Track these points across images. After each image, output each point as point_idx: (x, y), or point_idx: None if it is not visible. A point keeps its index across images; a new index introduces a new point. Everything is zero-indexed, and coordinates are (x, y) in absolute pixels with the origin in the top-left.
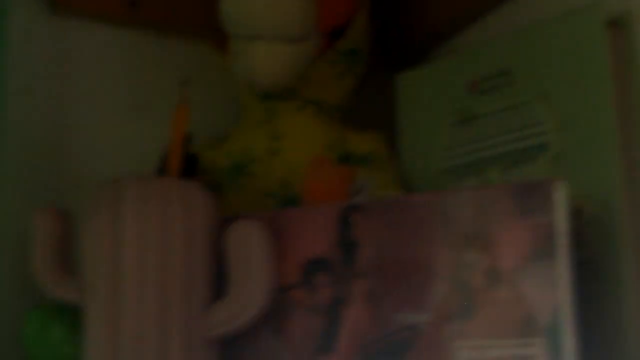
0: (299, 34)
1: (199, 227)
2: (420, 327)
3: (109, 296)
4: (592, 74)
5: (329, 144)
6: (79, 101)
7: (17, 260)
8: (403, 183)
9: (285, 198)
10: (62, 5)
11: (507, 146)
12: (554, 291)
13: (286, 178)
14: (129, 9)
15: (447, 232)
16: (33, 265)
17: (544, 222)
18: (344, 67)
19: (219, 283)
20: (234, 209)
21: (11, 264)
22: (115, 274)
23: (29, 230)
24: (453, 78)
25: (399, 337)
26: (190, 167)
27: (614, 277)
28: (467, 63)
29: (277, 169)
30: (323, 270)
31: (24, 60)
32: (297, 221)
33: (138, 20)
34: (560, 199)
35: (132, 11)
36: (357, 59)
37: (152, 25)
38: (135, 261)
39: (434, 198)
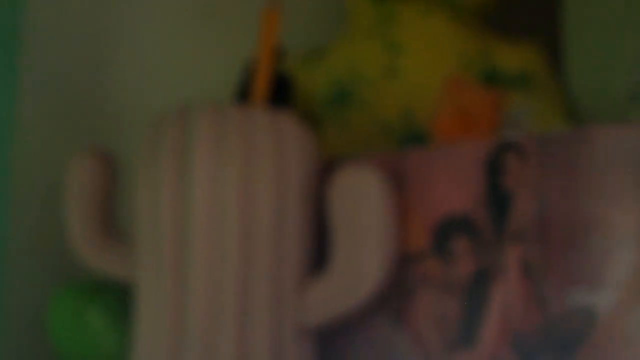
0: None
1: (294, 174)
2: (597, 310)
3: (171, 268)
4: None
5: (468, 58)
6: (120, 5)
7: (43, 223)
8: (571, 111)
9: (409, 134)
10: None
11: None
12: None
13: (409, 106)
14: None
15: (637, 179)
16: (66, 227)
17: None
18: None
19: (319, 251)
20: (337, 148)
21: (37, 228)
22: (180, 238)
23: (62, 182)
24: None
25: (568, 325)
26: (282, 93)
27: None
28: None
29: (397, 95)
30: (464, 234)
31: None
32: (428, 165)
33: None
34: None
35: None
36: None
37: None
38: (207, 220)
39: (619, 132)
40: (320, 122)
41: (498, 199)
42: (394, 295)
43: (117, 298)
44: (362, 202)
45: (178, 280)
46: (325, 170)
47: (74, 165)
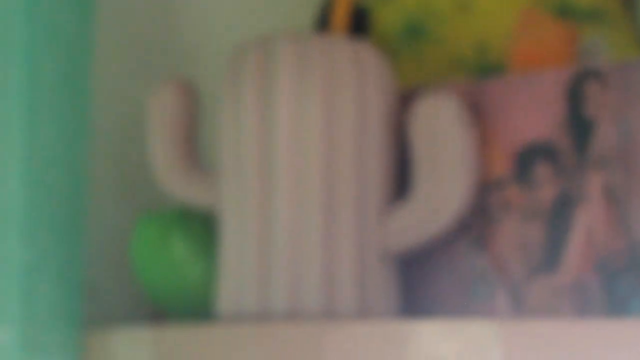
0: None
1: (375, 102)
2: None
3: (255, 196)
4: None
5: None
6: None
7: (124, 152)
8: None
9: (482, 67)
10: None
11: None
12: None
13: (483, 40)
14: None
15: None
16: (150, 155)
17: None
18: None
19: (401, 179)
20: (411, 82)
21: (117, 156)
22: (265, 167)
23: (143, 113)
24: None
25: None
26: (359, 25)
27: None
28: None
29: (470, 28)
30: (546, 160)
31: None
32: (507, 94)
33: None
34: None
35: None
36: None
37: None
38: (291, 148)
39: None
40: (394, 57)
41: (579, 126)
42: (476, 222)
43: (201, 226)
44: (443, 130)
45: (263, 207)
46: (403, 102)
47: (157, 97)
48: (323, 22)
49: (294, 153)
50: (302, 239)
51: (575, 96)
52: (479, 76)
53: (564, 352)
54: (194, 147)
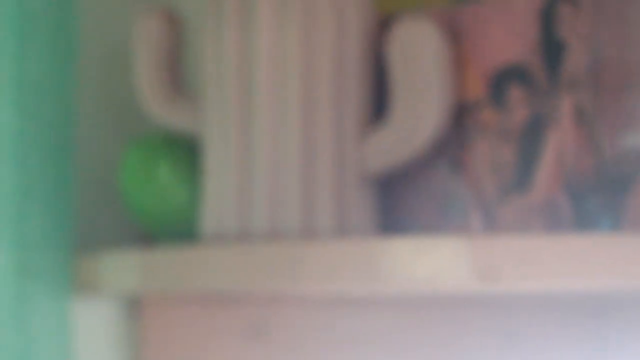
0: None
1: (353, 28)
2: None
3: (236, 120)
4: None
5: None
6: None
7: (110, 79)
8: None
9: None
10: None
11: None
12: None
13: None
14: None
15: None
16: (137, 82)
17: None
18: None
19: (379, 101)
20: (389, 7)
21: (103, 83)
22: (245, 92)
23: (129, 41)
24: None
25: (621, 167)
26: None
27: None
28: None
29: None
30: (518, 82)
31: None
32: (482, 17)
33: None
34: None
35: None
36: None
37: None
38: (271, 73)
39: None
40: None
41: (552, 48)
42: (452, 144)
43: (185, 151)
44: (420, 54)
45: (244, 132)
46: (381, 27)
47: (143, 25)
48: None
49: (274, 78)
50: (281, 161)
51: (547, 19)
52: (457, 2)
53: (534, 266)
54: (179, 75)
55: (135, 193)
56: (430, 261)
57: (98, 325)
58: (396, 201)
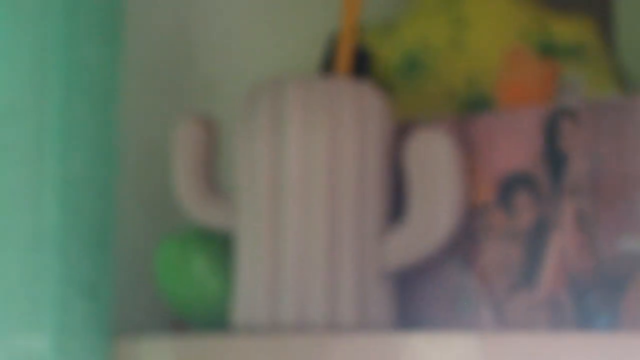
0: None
1: (374, 137)
2: None
3: (267, 218)
4: None
5: (527, 31)
6: None
7: (148, 177)
8: (621, 80)
9: (472, 99)
10: None
11: None
12: None
13: (473, 74)
14: None
15: None
16: (174, 182)
17: None
18: None
19: (397, 204)
20: (407, 112)
21: (142, 181)
22: (276, 192)
23: (166, 143)
24: None
25: (618, 268)
26: (362, 65)
27: None
28: None
29: (462, 63)
30: (524, 188)
31: None
32: (492, 128)
33: None
34: None
35: None
36: None
37: None
38: (299, 176)
39: None
40: (393, 89)
41: (555, 159)
42: (463, 244)
43: (219, 246)
44: (434, 160)
45: (273, 229)
46: (399, 132)
47: (181, 128)
48: (328, 63)
49: (302, 182)
50: (308, 257)
51: (551, 131)
52: (471, 109)
53: None
54: (213, 175)
55: (170, 283)
56: (445, 355)
57: None
58: (412, 296)
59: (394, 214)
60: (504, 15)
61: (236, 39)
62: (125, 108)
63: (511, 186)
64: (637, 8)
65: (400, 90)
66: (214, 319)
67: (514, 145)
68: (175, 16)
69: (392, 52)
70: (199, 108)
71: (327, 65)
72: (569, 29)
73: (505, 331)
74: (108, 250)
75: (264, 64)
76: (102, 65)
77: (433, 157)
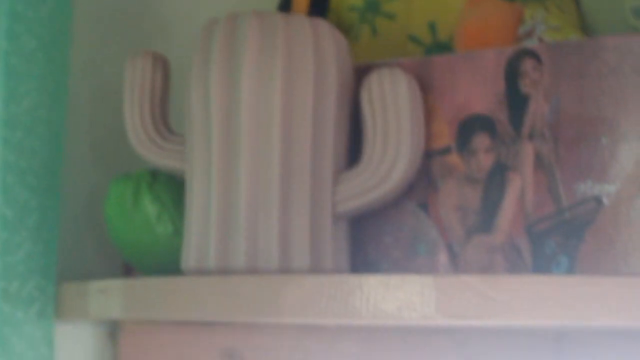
0: None
1: (331, 75)
2: (603, 200)
3: (220, 161)
4: None
5: None
6: None
7: (100, 118)
8: (585, 23)
9: (433, 44)
10: None
11: None
12: None
13: (434, 18)
14: None
15: None
16: (126, 120)
17: None
18: None
19: (353, 145)
20: (367, 56)
21: (93, 122)
22: (229, 134)
23: (117, 81)
24: None
25: (576, 213)
26: (320, 4)
27: None
28: None
29: (423, 7)
30: (484, 131)
31: None
32: (452, 71)
33: None
34: None
35: None
36: None
37: None
38: (254, 112)
39: (626, 42)
40: (351, 33)
41: (516, 101)
42: (421, 186)
43: (171, 188)
44: (393, 102)
45: (226, 172)
46: (358, 74)
47: (132, 65)
48: (286, 3)
49: (256, 122)
50: (260, 201)
51: (512, 74)
52: (431, 53)
53: (494, 305)
54: (165, 114)
55: (120, 226)
56: (398, 297)
57: (79, 350)
58: (368, 239)
59: (353, 157)
60: None
61: None
62: (76, 45)
63: (471, 129)
64: None
65: (361, 35)
66: (164, 265)
67: (475, 88)
68: None
69: None
70: (153, 47)
71: (285, 6)
72: None
73: (460, 273)
74: (55, 191)
75: (220, 5)
76: (51, 1)
77: (390, 96)
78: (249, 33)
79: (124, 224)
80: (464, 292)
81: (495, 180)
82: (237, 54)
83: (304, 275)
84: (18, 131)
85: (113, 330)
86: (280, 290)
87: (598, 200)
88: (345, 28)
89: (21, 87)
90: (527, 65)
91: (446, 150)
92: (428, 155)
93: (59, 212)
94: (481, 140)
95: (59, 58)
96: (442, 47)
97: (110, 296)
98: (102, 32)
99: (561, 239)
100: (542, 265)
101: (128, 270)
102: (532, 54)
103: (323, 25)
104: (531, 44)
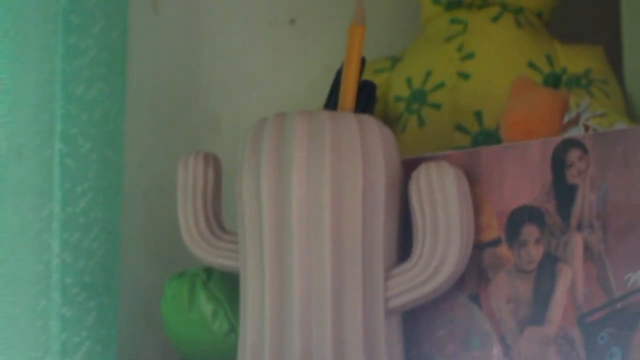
0: None
1: (380, 172)
2: None
3: (272, 258)
4: None
5: (533, 60)
6: (213, 16)
7: (154, 217)
8: (630, 109)
9: (479, 133)
10: None
11: None
12: None
13: (480, 107)
14: None
15: None
16: (179, 220)
17: None
18: None
19: (404, 240)
20: (414, 147)
21: (147, 221)
22: (281, 231)
23: (169, 178)
24: None
25: (628, 303)
26: (367, 99)
27: None
28: None
29: (468, 97)
30: (533, 222)
31: None
32: (500, 162)
33: None
34: None
35: None
36: None
37: None
38: (304, 214)
39: None
40: (398, 124)
41: (563, 191)
42: (472, 279)
43: (225, 287)
44: (442, 196)
45: (279, 271)
46: (407, 168)
47: (184, 165)
48: (333, 100)
49: (307, 220)
50: (314, 301)
51: (559, 164)
52: (478, 142)
53: None
54: (218, 212)
55: (176, 324)
56: None
57: None
58: (422, 334)
59: (403, 251)
60: (511, 46)
61: (242, 75)
62: (129, 146)
63: (520, 220)
64: None
65: (406, 125)
66: None
67: (522, 179)
68: (181, 54)
69: (397, 85)
70: (204, 145)
71: (332, 102)
72: (577, 58)
73: None
74: (113, 291)
75: (269, 102)
76: (105, 103)
77: (440, 191)
78: (298, 130)
79: (180, 322)
80: None
81: (546, 272)
82: (287, 152)
83: None
84: (75, 232)
85: None
86: None
87: None
88: (392, 118)
89: (77, 187)
90: (573, 155)
91: (496, 242)
92: (478, 247)
93: (117, 311)
94: (530, 232)
95: (112, 158)
96: (489, 135)
97: None
98: (153, 130)
99: (614, 330)
100: (595, 357)
101: None
102: (578, 144)
103: (369, 121)
104: (577, 131)
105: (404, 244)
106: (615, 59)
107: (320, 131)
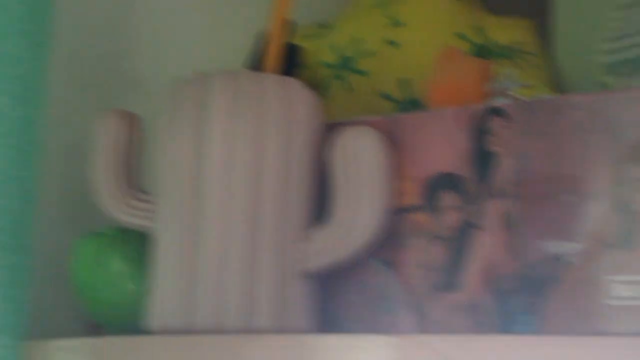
0: None
1: (299, 134)
2: (568, 258)
3: (187, 219)
4: None
5: (462, 31)
6: None
7: (69, 176)
8: (555, 81)
9: (405, 100)
10: None
11: None
12: None
13: (407, 75)
14: None
15: (609, 142)
16: (93, 180)
17: None
18: None
19: (320, 203)
20: (340, 112)
21: (62, 179)
22: (197, 192)
23: (87, 138)
24: None
25: (542, 271)
26: (291, 61)
27: None
28: None
29: (396, 64)
30: (451, 189)
31: None
32: (420, 128)
33: None
34: None
35: None
36: None
37: None
38: (221, 172)
39: (595, 100)
40: (324, 89)
41: (483, 158)
42: (388, 244)
43: (138, 247)
44: (360, 160)
45: (192, 231)
46: (328, 131)
47: (101, 124)
48: (256, 61)
49: (224, 181)
50: (226, 260)
51: (479, 131)
52: (404, 110)
53: None
54: (134, 172)
55: (86, 285)
56: (362, 357)
57: None
58: (333, 297)
59: (320, 214)
60: (440, 16)
61: (165, 36)
62: (49, 102)
63: (438, 187)
64: (573, 10)
65: (334, 91)
66: (129, 323)
67: (442, 146)
68: (104, 12)
69: (327, 52)
70: (125, 106)
71: (255, 64)
72: (505, 30)
73: (423, 334)
74: (24, 249)
75: (193, 62)
76: (27, 60)
77: (358, 155)
78: (218, 94)
79: (90, 282)
80: (427, 353)
81: (461, 239)
82: (206, 115)
83: (268, 334)
84: None
85: None
86: (244, 350)
87: (563, 258)
88: (319, 84)
89: None
90: (495, 123)
91: (414, 208)
92: (396, 213)
93: (29, 271)
94: (448, 199)
95: (32, 116)
96: (416, 103)
97: (74, 355)
98: (74, 88)
99: (526, 297)
100: (507, 324)
101: (95, 329)
102: (500, 112)
103: (292, 83)
104: (502, 101)
105: (323, 207)
106: (546, 34)
107: (241, 92)
